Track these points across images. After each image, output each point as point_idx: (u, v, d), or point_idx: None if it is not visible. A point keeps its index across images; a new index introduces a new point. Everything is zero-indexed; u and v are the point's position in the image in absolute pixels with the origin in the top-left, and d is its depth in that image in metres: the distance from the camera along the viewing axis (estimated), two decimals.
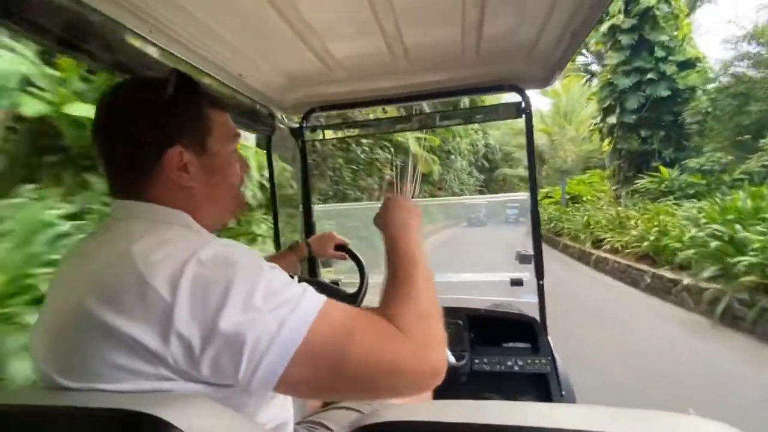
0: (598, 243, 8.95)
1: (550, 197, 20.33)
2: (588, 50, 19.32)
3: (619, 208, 10.83)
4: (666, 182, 11.66)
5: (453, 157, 21.85)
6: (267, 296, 0.47)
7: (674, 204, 9.16)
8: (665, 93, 13.35)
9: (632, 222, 8.18)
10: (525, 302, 1.60)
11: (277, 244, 1.54)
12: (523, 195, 1.56)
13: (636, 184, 12.87)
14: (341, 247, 1.28)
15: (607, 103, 14.93)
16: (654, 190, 11.87)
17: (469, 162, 26.42)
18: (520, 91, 1.37)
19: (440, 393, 1.09)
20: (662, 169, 12.06)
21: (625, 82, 13.93)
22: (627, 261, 6.89)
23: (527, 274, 1.56)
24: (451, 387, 1.38)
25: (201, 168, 0.59)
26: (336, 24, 1.03)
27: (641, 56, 13.69)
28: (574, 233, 10.94)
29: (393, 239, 0.68)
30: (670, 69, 13.44)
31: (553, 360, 1.39)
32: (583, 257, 9.48)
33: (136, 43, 0.86)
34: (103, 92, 0.60)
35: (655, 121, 13.72)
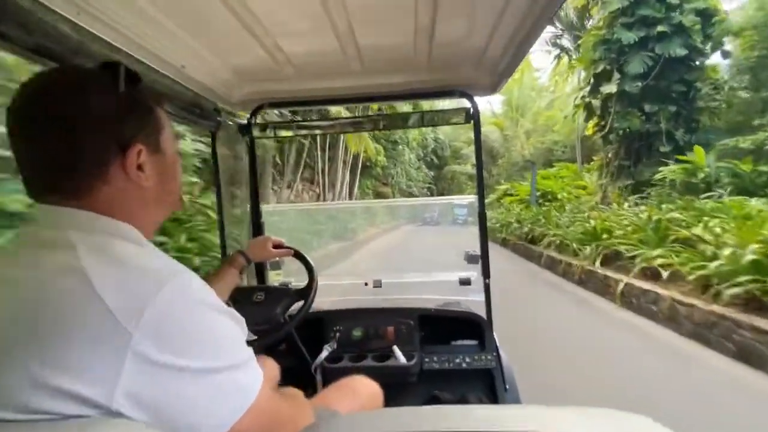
0: (614, 260, 5.59)
1: (512, 195, 17.15)
2: (559, 21, 15.73)
3: (638, 208, 7.82)
4: (702, 170, 8.43)
5: (401, 148, 20.07)
6: (219, 355, 0.49)
7: (742, 202, 6.04)
8: (681, 52, 9.97)
9: (688, 231, 4.81)
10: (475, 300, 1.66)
11: (223, 248, 1.47)
12: (472, 197, 1.62)
13: (636, 175, 10.18)
14: (280, 246, 1.25)
15: (601, 67, 11.34)
16: (683, 183, 8.66)
17: (417, 156, 25.09)
18: (470, 98, 1.42)
19: (391, 393, 1.10)
20: (698, 151, 8.72)
21: (627, 37, 10.35)
22: (717, 308, 3.35)
23: (474, 273, 1.62)
24: (402, 387, 1.40)
25: (154, 167, 0.57)
26: (287, 19, 1.00)
27: (648, 2, 10.38)
28: (561, 242, 7.56)
29: None
30: (687, 20, 10.10)
31: (498, 356, 1.45)
32: (590, 282, 5.71)
33: (62, 26, 0.77)
34: (28, 80, 0.52)
35: (664, 91, 10.39)
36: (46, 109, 0.51)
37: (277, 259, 1.62)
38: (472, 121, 1.45)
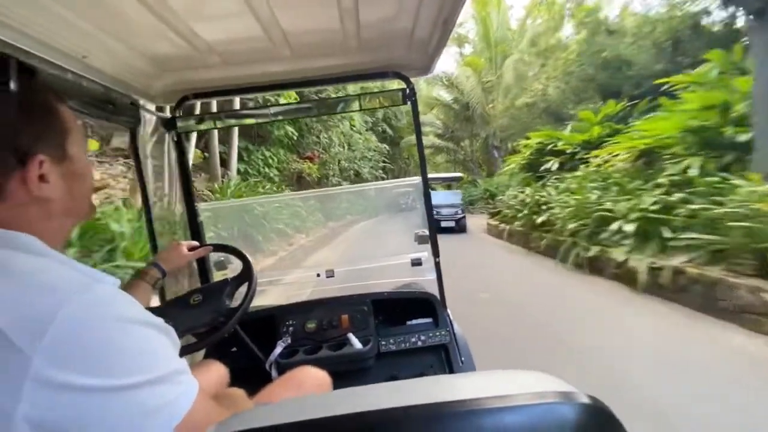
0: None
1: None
2: None
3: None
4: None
5: (335, 132, 14.59)
6: (137, 370, 0.45)
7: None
8: None
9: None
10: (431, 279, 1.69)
11: (154, 250, 1.37)
12: (416, 179, 1.64)
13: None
14: (194, 248, 1.20)
15: None
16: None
17: (365, 125, 19.03)
18: (404, 78, 1.42)
19: (350, 381, 1.11)
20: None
21: None
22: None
23: (425, 253, 1.66)
24: (361, 373, 1.42)
25: (60, 176, 0.53)
26: (198, 3, 0.92)
27: None
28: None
29: None
30: None
31: (452, 331, 1.51)
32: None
33: None
34: None
35: None
36: None
37: (222, 258, 1.55)
38: (409, 102, 1.46)
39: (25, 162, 0.49)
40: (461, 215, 12.22)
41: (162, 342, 0.49)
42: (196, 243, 1.23)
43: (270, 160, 11.16)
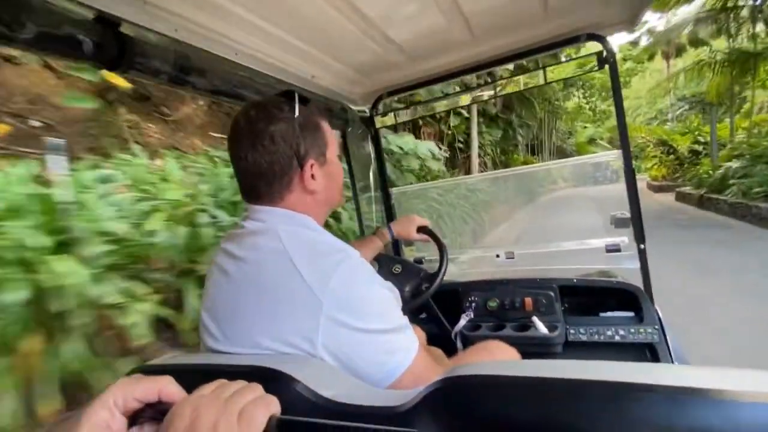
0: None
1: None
2: None
3: None
4: None
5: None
6: (385, 319, 0.61)
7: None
8: None
9: None
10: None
11: (361, 229, 1.65)
12: (615, 152, 1.43)
13: None
14: (423, 228, 1.33)
15: None
16: None
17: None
18: (600, 39, 1.24)
19: None
20: None
21: None
22: None
23: (625, 239, 1.44)
24: (545, 357, 1.36)
25: (323, 176, 0.73)
26: (391, 10, 1.05)
27: None
28: None
29: None
30: None
31: (662, 329, 1.28)
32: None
33: (228, 67, 0.99)
34: (236, 114, 0.73)
35: None
36: (247, 134, 0.69)
37: None
38: (606, 66, 1.27)
39: (302, 165, 0.70)
40: None
41: (393, 300, 0.65)
42: (427, 223, 1.36)
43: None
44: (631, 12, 1.15)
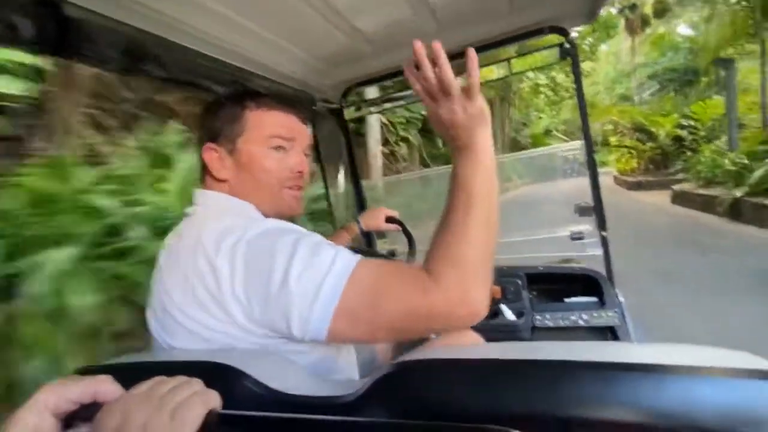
0: None
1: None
2: None
3: None
4: None
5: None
6: (306, 259, 0.54)
7: None
8: None
9: None
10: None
11: (332, 222, 1.64)
12: (578, 143, 1.48)
13: None
14: (392, 219, 1.33)
15: None
16: None
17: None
18: (562, 32, 1.28)
19: None
20: None
21: None
22: None
23: (588, 227, 1.50)
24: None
25: (233, 164, 0.73)
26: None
27: None
28: None
29: (454, 153, 0.62)
30: None
31: (623, 313, 1.34)
32: None
33: (186, 54, 0.95)
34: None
35: None
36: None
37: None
38: (568, 57, 1.31)
39: (202, 150, 0.75)
40: None
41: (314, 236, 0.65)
42: (395, 214, 1.35)
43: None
44: (590, 6, 1.19)
